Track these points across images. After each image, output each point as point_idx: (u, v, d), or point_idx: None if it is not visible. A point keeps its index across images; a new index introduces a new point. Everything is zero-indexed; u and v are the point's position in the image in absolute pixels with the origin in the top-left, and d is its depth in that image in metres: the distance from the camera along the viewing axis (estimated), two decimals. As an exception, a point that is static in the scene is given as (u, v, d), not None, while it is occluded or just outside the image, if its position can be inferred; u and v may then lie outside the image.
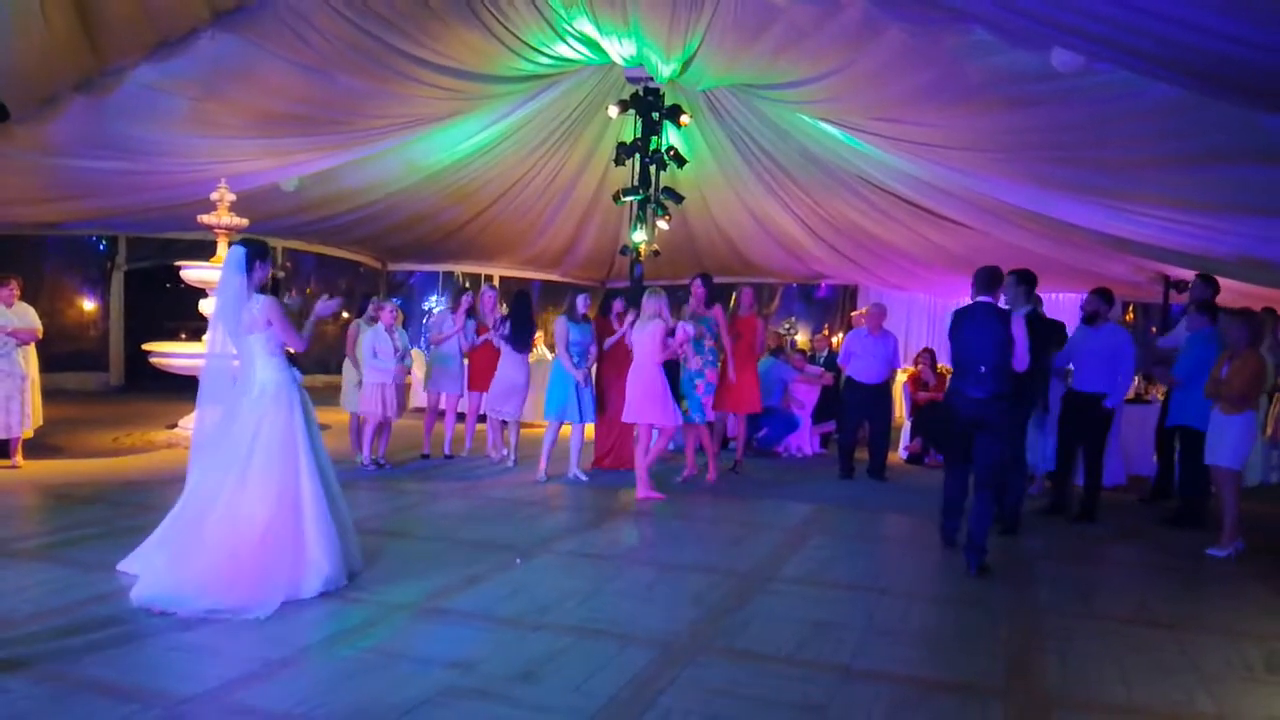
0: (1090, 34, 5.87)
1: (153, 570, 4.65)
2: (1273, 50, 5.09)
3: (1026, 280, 7.17)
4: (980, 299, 6.22)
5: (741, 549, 6.30)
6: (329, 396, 10.58)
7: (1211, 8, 4.84)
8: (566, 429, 8.62)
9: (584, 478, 8.50)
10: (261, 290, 5.00)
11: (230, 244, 5.35)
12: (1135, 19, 5.22)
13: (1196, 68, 5.75)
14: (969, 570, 5.88)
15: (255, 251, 4.98)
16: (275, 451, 4.80)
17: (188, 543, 4.64)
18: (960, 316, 6.29)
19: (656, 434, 7.96)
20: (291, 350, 5.06)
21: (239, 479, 4.72)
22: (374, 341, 8.70)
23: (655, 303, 7.97)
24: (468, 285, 18.17)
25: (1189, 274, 12.52)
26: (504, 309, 9.81)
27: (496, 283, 18.24)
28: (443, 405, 9.57)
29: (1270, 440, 9.22)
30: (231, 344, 4.97)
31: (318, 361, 15.80)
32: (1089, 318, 7.87)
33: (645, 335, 7.90)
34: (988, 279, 6.24)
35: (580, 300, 8.54)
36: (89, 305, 15.03)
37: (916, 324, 17.33)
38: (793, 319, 18.61)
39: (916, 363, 11.51)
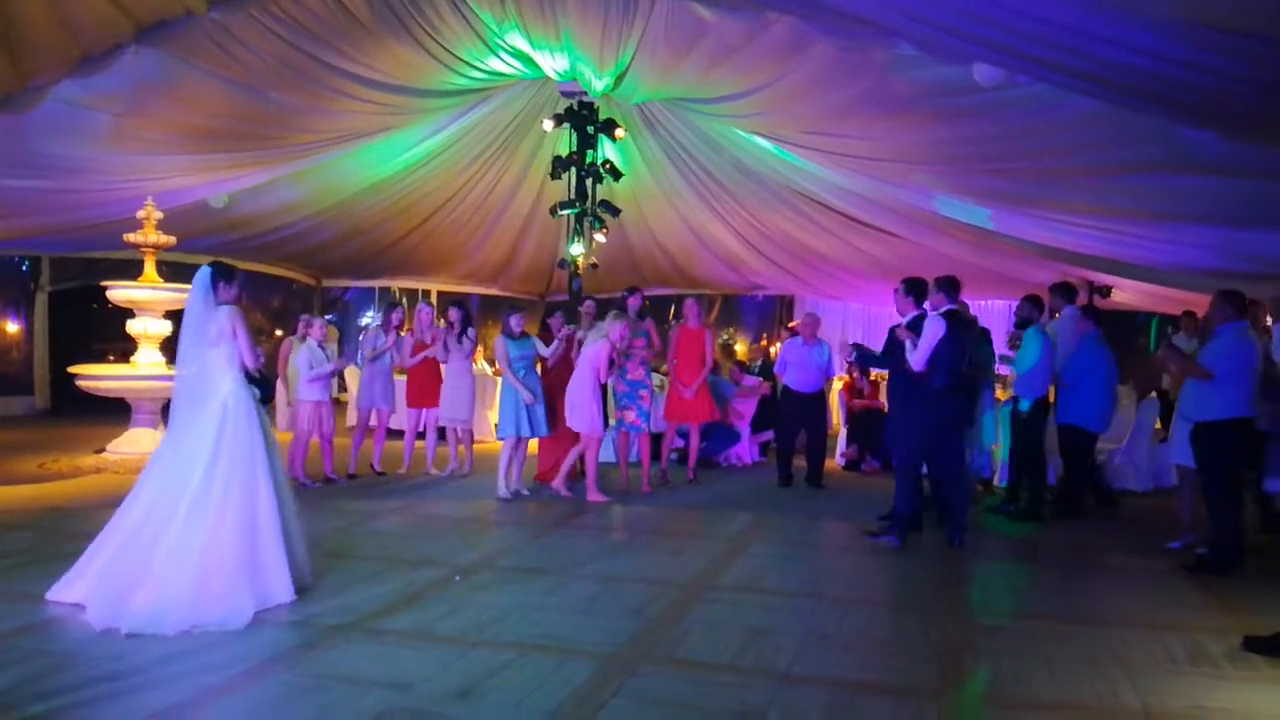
0: (1008, 48, 6.03)
1: (109, 593, 4.59)
2: (1190, 66, 5.27)
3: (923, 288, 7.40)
4: (951, 306, 6.79)
5: (682, 559, 6.34)
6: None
7: (1122, 23, 5.02)
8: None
9: (526, 492, 8.49)
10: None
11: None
12: (1050, 32, 5.38)
13: (1111, 81, 5.94)
14: (956, 544, 6.71)
15: (221, 272, 5.17)
16: (238, 464, 4.87)
17: (151, 561, 4.63)
18: (953, 323, 6.70)
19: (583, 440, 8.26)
20: (246, 365, 5.14)
21: (202, 493, 4.75)
22: (309, 357, 8.60)
23: (609, 325, 8.28)
24: (402, 300, 18.01)
25: (1113, 279, 12.95)
26: (442, 322, 9.76)
27: (434, 298, 18.10)
28: (373, 422, 9.48)
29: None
30: (192, 359, 5.06)
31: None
32: (1021, 323, 8.14)
33: (591, 351, 8.21)
34: (956, 285, 6.87)
35: (515, 320, 8.53)
36: (11, 327, 14.58)
37: (851, 332, 17.56)
38: (731, 330, 18.80)
39: (850, 371, 11.68)
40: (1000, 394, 9.27)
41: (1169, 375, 7.91)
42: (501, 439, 8.39)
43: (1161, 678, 4.25)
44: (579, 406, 8.17)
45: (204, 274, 5.12)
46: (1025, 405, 7.79)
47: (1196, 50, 4.97)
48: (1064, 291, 8.74)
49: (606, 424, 8.59)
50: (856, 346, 7.85)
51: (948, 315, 6.72)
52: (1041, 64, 6.18)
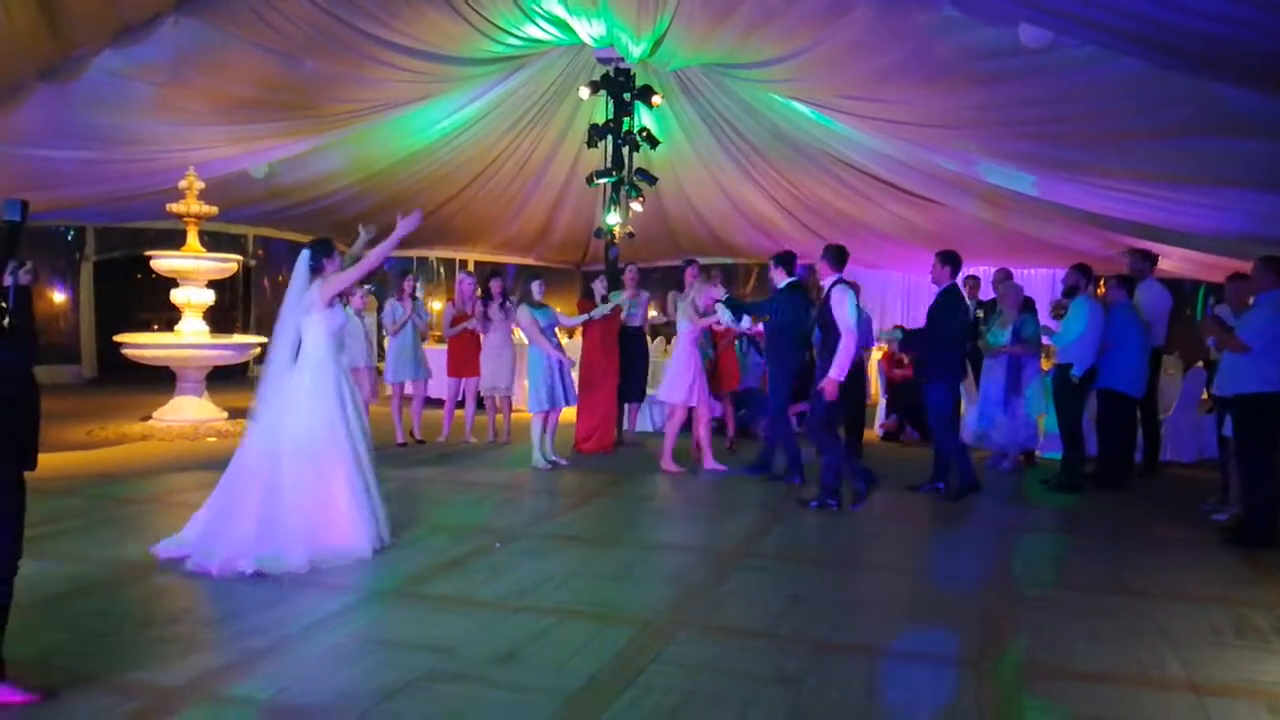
0: (1055, 9, 5.91)
1: (230, 541, 4.94)
2: (1229, 21, 5.15)
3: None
4: (836, 275, 6.95)
5: (719, 528, 6.35)
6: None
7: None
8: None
9: (563, 461, 8.52)
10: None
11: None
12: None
13: (1156, 40, 5.81)
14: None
15: (319, 250, 5.54)
16: (334, 420, 5.30)
17: (277, 506, 5.06)
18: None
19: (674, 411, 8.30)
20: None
21: (306, 443, 5.19)
22: (347, 325, 8.66)
23: (698, 290, 8.39)
24: (440, 270, 18.11)
25: (1157, 247, 12.68)
26: (478, 292, 9.79)
27: (471, 267, 18.16)
28: (408, 391, 9.54)
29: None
30: (288, 326, 5.45)
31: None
32: (1069, 291, 8.01)
33: (684, 329, 8.28)
34: (843, 255, 7.11)
35: (536, 286, 8.55)
36: (58, 297, 14.83)
37: (890, 301, 17.38)
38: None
39: (890, 341, 11.55)
40: (1045, 364, 9.16)
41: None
42: (534, 413, 8.36)
43: (1207, 650, 4.20)
44: (677, 377, 8.13)
45: (304, 255, 5.49)
46: (1077, 373, 7.66)
47: (1241, 6, 4.85)
48: (1145, 257, 8.61)
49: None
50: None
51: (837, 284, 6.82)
52: (1083, 23, 6.05)
